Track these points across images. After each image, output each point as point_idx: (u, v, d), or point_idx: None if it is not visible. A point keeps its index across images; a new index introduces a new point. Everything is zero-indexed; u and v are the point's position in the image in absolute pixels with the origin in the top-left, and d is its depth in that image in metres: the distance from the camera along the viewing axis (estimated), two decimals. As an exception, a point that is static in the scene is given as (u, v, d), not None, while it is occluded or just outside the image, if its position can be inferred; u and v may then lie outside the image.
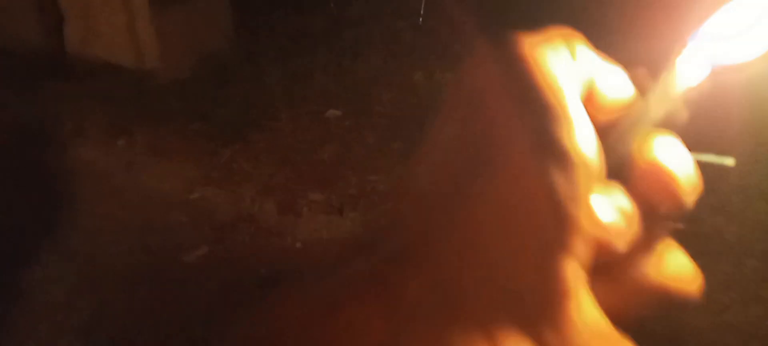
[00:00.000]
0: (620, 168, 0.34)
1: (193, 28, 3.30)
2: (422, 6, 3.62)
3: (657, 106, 0.36)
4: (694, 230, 1.58)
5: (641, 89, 0.37)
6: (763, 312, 1.94)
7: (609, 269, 0.33)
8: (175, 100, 3.06)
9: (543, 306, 0.30)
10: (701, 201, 0.35)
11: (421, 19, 3.61)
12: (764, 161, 2.32)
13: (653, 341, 0.79)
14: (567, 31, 0.36)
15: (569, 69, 0.33)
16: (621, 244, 0.32)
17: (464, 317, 0.30)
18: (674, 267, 0.34)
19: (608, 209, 0.32)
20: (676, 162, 0.33)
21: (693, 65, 0.36)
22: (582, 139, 0.31)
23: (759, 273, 2.04)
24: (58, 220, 2.43)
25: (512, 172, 0.31)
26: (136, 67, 3.25)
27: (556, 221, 0.30)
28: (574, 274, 0.30)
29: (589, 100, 0.34)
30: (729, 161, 0.58)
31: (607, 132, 0.34)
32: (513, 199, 0.31)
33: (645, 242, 0.34)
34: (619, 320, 0.32)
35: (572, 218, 0.30)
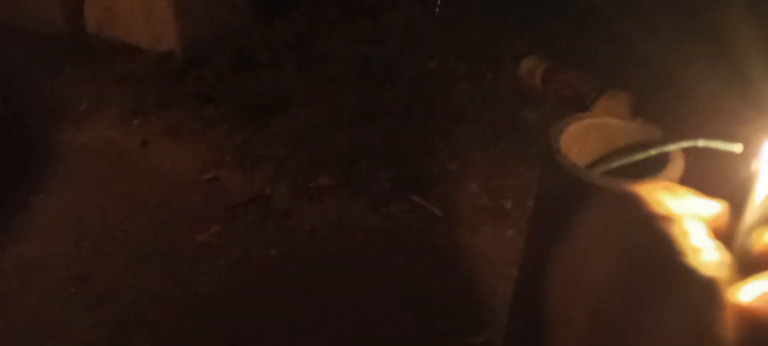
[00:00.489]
0: (747, 263, 0.44)
1: (212, 11, 3.33)
2: (440, -4, 3.62)
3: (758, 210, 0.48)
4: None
5: None
6: None
7: None
8: (192, 82, 3.09)
9: None
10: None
11: (437, 10, 3.61)
12: None
13: None
14: (667, 183, 0.49)
15: (682, 209, 0.44)
16: None
17: None
18: None
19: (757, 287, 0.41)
20: None
21: None
22: (714, 260, 0.41)
23: None
24: (73, 196, 2.47)
25: (663, 303, 0.40)
26: (154, 49, 3.28)
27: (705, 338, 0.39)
28: None
29: None
30: (737, 148, 0.69)
31: (726, 239, 0.45)
32: (668, 327, 0.40)
33: None
34: None
35: (718, 338, 0.38)
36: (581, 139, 1.07)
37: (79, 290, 2.09)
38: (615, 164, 1.01)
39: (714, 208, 0.47)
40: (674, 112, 2.49)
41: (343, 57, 3.27)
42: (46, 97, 3.02)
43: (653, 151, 0.96)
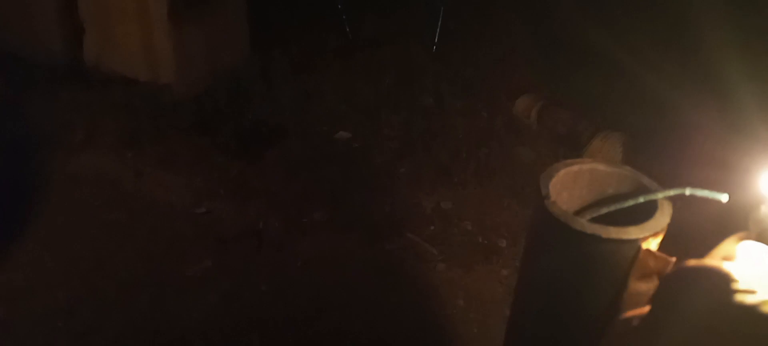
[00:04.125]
0: None
1: (210, 44, 3.34)
2: (437, 33, 3.65)
3: None
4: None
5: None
6: None
7: None
8: (188, 113, 3.09)
9: None
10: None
11: (435, 47, 3.64)
12: None
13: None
14: (720, 261, 0.70)
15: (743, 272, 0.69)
16: None
17: None
18: None
19: None
20: None
21: None
22: None
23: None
24: (64, 224, 2.46)
25: None
26: (151, 81, 3.28)
27: None
28: None
29: None
30: (723, 197, 0.73)
31: None
32: None
33: None
34: None
35: None
36: (571, 185, 1.07)
37: (66, 320, 2.07)
38: (604, 211, 1.01)
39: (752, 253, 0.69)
40: (667, 152, 2.50)
41: (339, 90, 3.29)
42: (42, 125, 3.01)
43: (642, 199, 0.96)
